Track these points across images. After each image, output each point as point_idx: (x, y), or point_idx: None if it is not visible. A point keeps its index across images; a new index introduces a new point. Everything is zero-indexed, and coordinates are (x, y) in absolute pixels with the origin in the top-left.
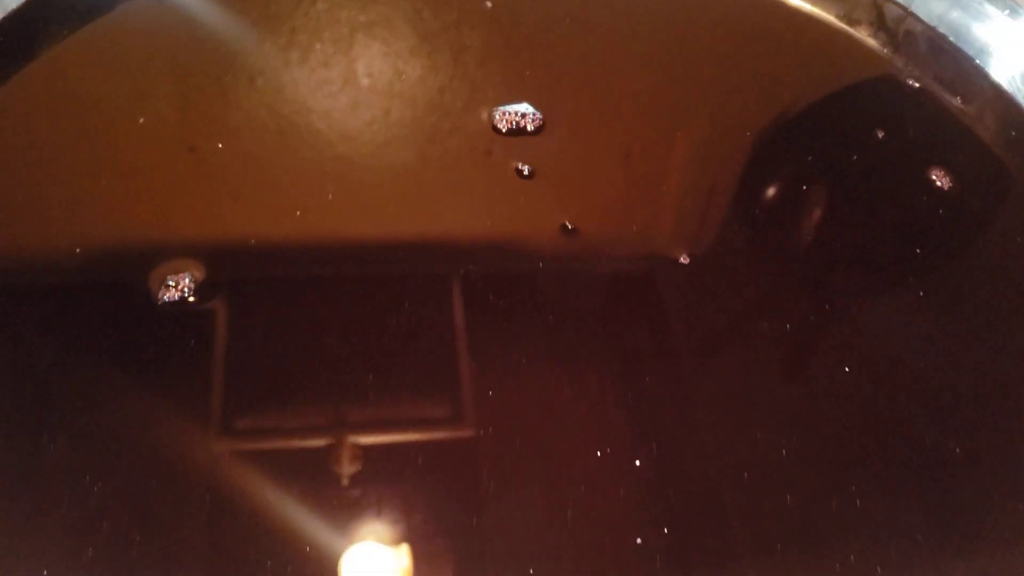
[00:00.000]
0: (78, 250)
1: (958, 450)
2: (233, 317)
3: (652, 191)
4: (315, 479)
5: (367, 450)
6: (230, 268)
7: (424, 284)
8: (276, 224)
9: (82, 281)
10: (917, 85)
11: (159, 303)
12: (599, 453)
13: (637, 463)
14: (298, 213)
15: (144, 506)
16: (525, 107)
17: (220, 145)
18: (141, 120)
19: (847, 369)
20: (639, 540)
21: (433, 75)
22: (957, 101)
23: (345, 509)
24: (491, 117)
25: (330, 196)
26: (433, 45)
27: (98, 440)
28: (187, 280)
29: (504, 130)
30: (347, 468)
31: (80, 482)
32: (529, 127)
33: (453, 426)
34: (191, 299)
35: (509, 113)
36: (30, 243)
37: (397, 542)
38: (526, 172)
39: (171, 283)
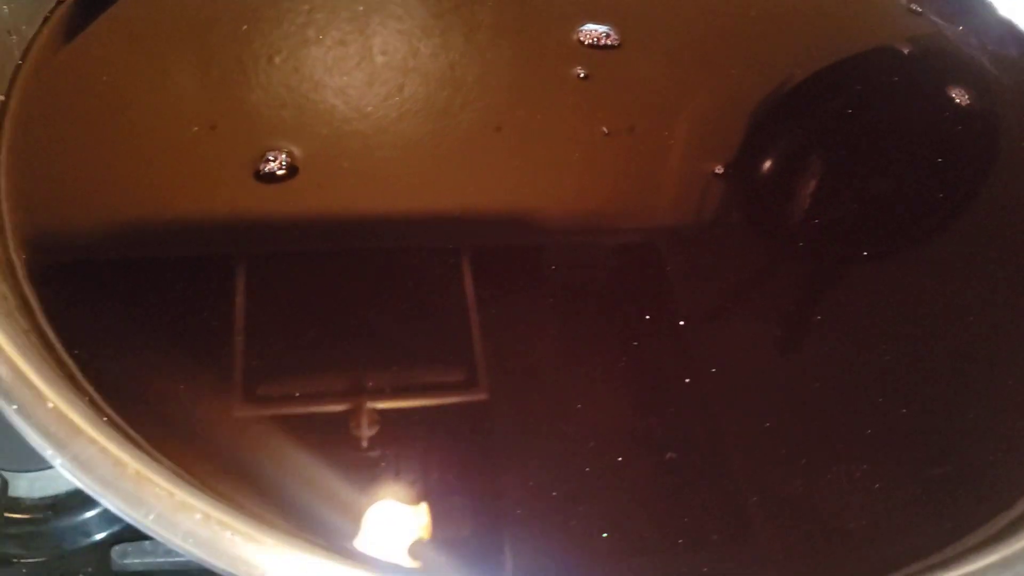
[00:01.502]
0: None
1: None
2: (252, 290)
3: (696, 106)
4: (335, 442)
5: (384, 414)
6: (254, 242)
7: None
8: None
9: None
10: (920, 10)
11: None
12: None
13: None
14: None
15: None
16: (606, 28)
17: (241, 121)
18: (160, 99)
19: (865, 253)
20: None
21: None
22: (961, 28)
23: (365, 470)
24: (577, 33)
25: (345, 165)
26: None
27: None
28: None
29: (586, 43)
30: (366, 431)
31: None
32: (605, 42)
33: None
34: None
35: (593, 31)
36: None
37: (415, 501)
38: (582, 75)
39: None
